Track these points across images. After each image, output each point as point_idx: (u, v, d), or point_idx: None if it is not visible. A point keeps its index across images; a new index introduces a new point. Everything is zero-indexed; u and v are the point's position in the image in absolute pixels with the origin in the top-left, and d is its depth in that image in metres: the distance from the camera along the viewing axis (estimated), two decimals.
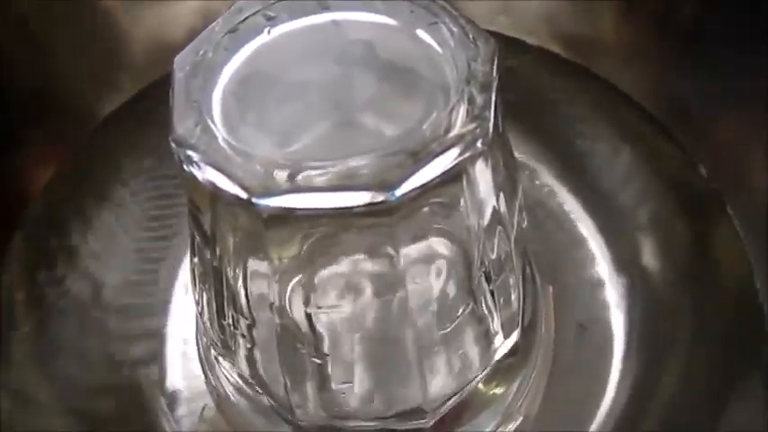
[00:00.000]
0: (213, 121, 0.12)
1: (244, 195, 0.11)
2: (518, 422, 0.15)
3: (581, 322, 0.17)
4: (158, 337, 0.17)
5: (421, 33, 0.12)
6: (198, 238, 0.13)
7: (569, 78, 0.20)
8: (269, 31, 0.13)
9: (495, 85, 0.12)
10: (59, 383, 0.16)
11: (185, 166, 0.11)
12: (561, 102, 0.19)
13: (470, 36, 0.12)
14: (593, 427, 0.16)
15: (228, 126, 0.12)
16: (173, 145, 0.11)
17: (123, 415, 0.16)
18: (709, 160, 0.18)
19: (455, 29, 0.12)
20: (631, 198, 0.18)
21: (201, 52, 0.12)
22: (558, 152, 0.19)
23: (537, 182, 0.18)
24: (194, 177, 0.11)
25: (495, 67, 0.12)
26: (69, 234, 0.18)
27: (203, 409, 0.16)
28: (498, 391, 0.15)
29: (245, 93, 0.12)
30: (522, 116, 0.18)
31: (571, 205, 0.18)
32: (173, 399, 0.16)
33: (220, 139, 0.11)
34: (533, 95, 0.19)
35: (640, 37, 0.20)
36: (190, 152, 0.11)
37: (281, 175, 0.11)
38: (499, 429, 0.15)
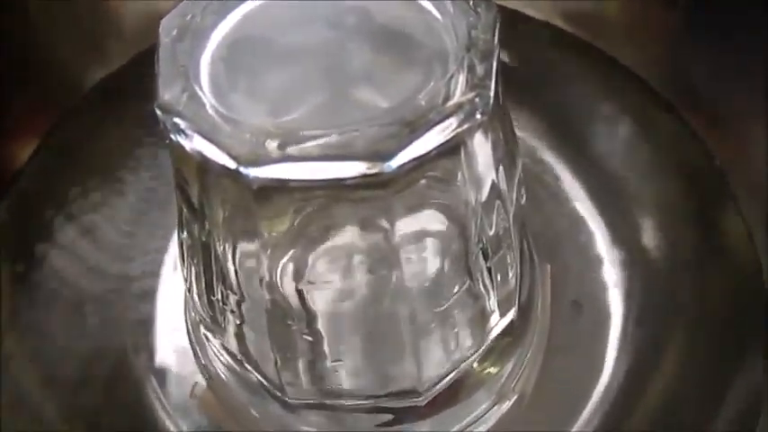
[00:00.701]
0: (201, 88, 0.11)
1: (232, 165, 0.10)
2: (512, 401, 0.15)
3: (577, 301, 0.16)
4: (147, 314, 0.16)
5: None
6: (186, 212, 0.13)
7: (571, 53, 0.19)
8: None
9: (496, 53, 0.11)
10: (43, 361, 0.16)
11: (172, 135, 0.11)
12: (562, 77, 0.19)
13: (471, 2, 0.12)
14: (588, 407, 0.15)
15: (217, 93, 0.11)
16: (158, 112, 0.11)
17: (112, 393, 0.16)
18: (713, 137, 0.18)
19: None
20: (632, 175, 0.18)
21: (189, 16, 0.12)
22: (558, 128, 0.18)
23: (536, 158, 0.18)
24: (181, 146, 0.11)
25: (496, 35, 0.11)
26: (54, 208, 0.18)
27: (194, 386, 0.16)
28: (493, 370, 0.15)
29: (234, 58, 0.12)
30: (521, 91, 0.18)
31: (570, 182, 0.18)
32: (162, 376, 0.16)
33: (208, 107, 0.11)
34: (534, 70, 0.19)
35: (645, 11, 0.19)
36: (176, 120, 0.11)
37: (272, 145, 0.10)
38: (493, 408, 0.15)
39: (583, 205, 0.17)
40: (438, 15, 0.12)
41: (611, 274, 0.17)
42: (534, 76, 0.18)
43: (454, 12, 0.12)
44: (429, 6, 0.12)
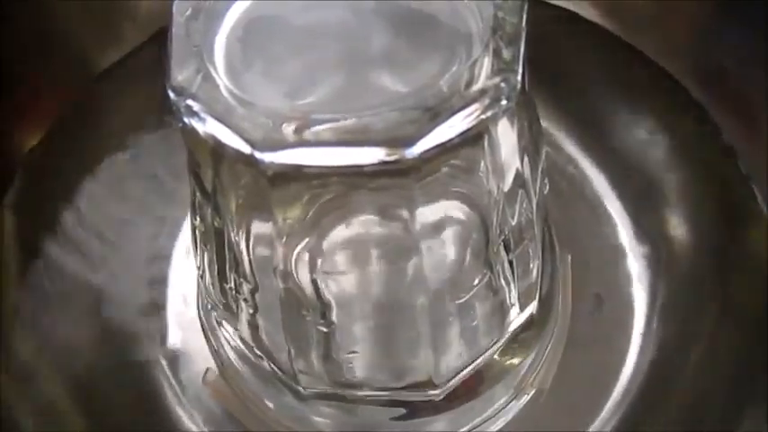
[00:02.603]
0: (216, 69, 0.11)
1: (247, 150, 0.10)
2: (530, 395, 0.15)
3: (599, 294, 0.16)
4: (160, 299, 0.16)
5: None
6: (199, 197, 0.12)
7: (597, 43, 0.19)
8: None
9: (524, 37, 0.11)
10: (53, 348, 0.16)
11: (185, 118, 0.11)
12: (588, 68, 0.18)
13: None
14: (608, 403, 0.15)
15: (232, 74, 0.11)
16: (171, 94, 0.10)
17: (123, 378, 0.16)
18: (739, 130, 0.17)
19: None
20: (656, 169, 0.17)
21: None
22: (582, 119, 0.18)
23: (558, 148, 0.17)
24: (194, 130, 0.10)
25: (524, 18, 0.11)
26: (67, 189, 0.17)
27: (206, 372, 0.16)
28: (512, 363, 0.15)
29: (250, 39, 0.11)
30: (544, 80, 0.17)
31: (593, 173, 0.17)
32: (175, 362, 0.16)
33: (223, 88, 0.10)
34: (560, 60, 0.18)
35: (672, 2, 0.18)
36: (190, 102, 0.10)
37: (289, 129, 0.10)
38: (511, 403, 0.15)
39: (607, 198, 0.17)
40: None
41: (635, 268, 0.16)
42: (560, 66, 0.18)
43: None
44: None
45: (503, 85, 0.10)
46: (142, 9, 0.19)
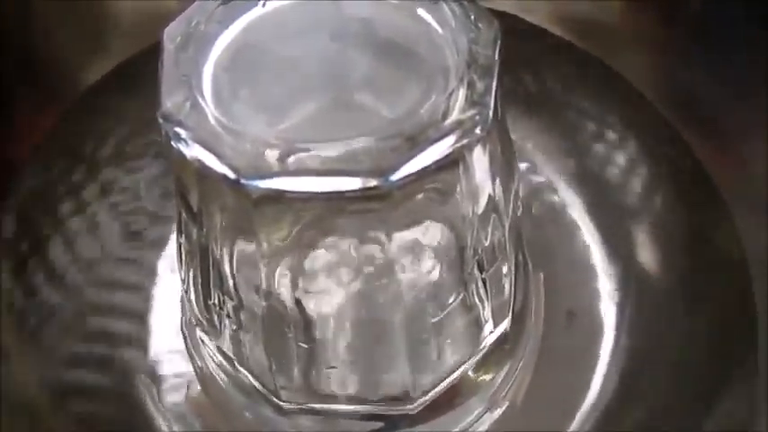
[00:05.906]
0: (203, 97, 0.11)
1: (232, 176, 0.11)
2: (503, 408, 0.15)
3: (571, 310, 0.16)
4: (143, 313, 0.16)
5: (422, 12, 0.12)
6: (185, 215, 0.13)
7: (573, 65, 0.19)
8: (264, 4, 0.12)
9: (496, 69, 0.11)
10: (38, 361, 0.16)
11: (173, 143, 0.11)
12: (560, 88, 0.19)
13: (472, 17, 0.12)
14: (579, 415, 0.16)
15: (219, 102, 0.11)
16: (160, 120, 0.11)
17: (105, 392, 0.16)
18: (712, 153, 0.18)
19: (457, 9, 0.12)
20: (628, 188, 0.18)
21: (193, 24, 0.12)
22: (554, 139, 0.18)
23: (531, 168, 0.18)
24: (182, 155, 0.11)
25: (497, 51, 0.11)
26: (55, 205, 0.18)
27: (188, 387, 0.16)
28: (486, 377, 0.15)
29: (237, 68, 0.12)
30: (518, 101, 0.18)
31: (566, 193, 0.18)
32: (156, 376, 0.16)
33: (210, 116, 0.11)
34: (533, 80, 0.19)
35: (646, 24, 0.19)
36: (178, 129, 0.11)
37: (273, 156, 0.10)
38: (485, 416, 0.15)
39: (577, 216, 0.17)
40: (440, 29, 0.12)
41: (605, 284, 0.17)
42: (533, 87, 0.19)
43: (456, 26, 0.12)
44: (430, 20, 0.12)
45: (476, 117, 0.11)
46: (128, 26, 0.20)
